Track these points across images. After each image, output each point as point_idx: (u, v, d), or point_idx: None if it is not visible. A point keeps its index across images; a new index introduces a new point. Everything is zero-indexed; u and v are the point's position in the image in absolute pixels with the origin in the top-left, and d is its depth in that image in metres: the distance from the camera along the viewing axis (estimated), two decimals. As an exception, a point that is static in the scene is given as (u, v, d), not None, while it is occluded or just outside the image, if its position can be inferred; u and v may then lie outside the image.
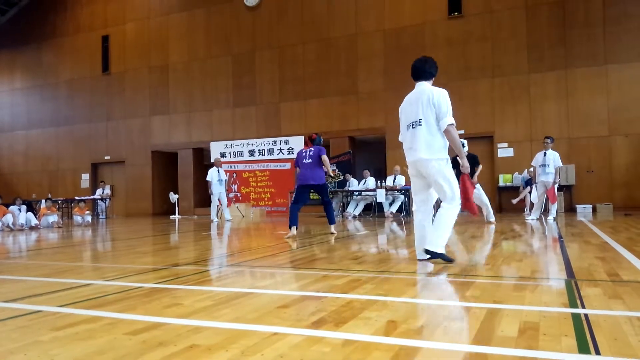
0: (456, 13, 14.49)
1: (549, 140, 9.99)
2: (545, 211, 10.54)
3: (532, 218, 10.15)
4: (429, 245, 4.13)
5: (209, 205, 13.61)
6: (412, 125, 4.36)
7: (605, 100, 12.99)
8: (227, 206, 13.34)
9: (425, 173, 4.26)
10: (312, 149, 7.25)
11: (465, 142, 8.11)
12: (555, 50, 13.40)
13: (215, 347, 2.01)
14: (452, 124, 4.13)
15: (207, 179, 12.94)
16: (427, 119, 4.21)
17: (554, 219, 9.76)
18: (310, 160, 7.16)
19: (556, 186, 9.88)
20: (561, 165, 9.93)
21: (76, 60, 20.47)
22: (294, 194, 7.44)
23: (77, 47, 20.49)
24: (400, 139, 4.50)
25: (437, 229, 4.14)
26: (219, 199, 12.96)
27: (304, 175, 7.16)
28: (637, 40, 12.73)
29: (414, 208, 4.46)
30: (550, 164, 9.84)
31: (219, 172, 12.96)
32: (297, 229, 7.10)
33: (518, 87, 13.74)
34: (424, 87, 4.35)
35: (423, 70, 4.39)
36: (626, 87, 12.81)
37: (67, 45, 20.69)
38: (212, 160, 13.93)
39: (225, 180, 13.23)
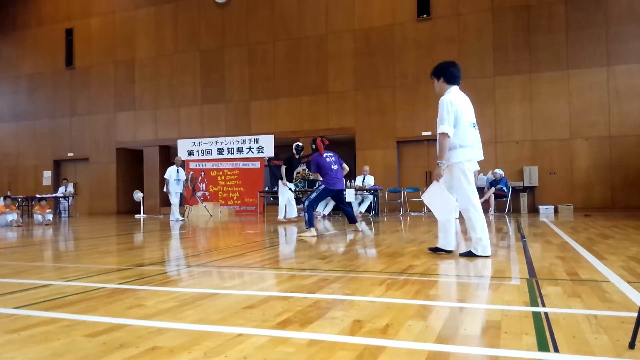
0: (424, 15, 14.67)
1: None
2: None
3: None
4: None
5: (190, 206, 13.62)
6: (474, 125, 4.44)
7: (567, 104, 13.38)
8: (189, 205, 13.27)
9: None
10: (332, 154, 7.66)
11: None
12: (520, 53, 13.73)
13: (178, 349, 1.98)
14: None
15: (165, 176, 12.94)
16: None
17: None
18: (337, 166, 7.61)
19: None
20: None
21: (38, 53, 19.83)
22: (314, 195, 7.49)
23: (39, 40, 19.84)
24: (450, 132, 4.27)
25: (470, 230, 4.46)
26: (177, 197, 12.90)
27: (333, 180, 7.46)
28: (597, 46, 13.16)
29: (478, 208, 4.40)
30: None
31: (178, 171, 12.84)
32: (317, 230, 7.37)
33: (484, 90, 14.01)
34: (463, 93, 4.49)
35: (460, 75, 4.56)
36: (586, 92, 13.22)
37: (29, 37, 20.02)
38: (174, 159, 13.72)
39: (185, 181, 13.12)
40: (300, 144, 11.26)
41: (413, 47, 14.72)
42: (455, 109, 4.28)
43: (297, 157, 10.99)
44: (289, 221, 10.53)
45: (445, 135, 4.23)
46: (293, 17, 16.13)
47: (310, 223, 7.26)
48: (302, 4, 16.03)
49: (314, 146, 7.68)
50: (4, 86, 20.42)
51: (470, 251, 4.44)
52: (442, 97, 4.39)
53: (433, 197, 4.47)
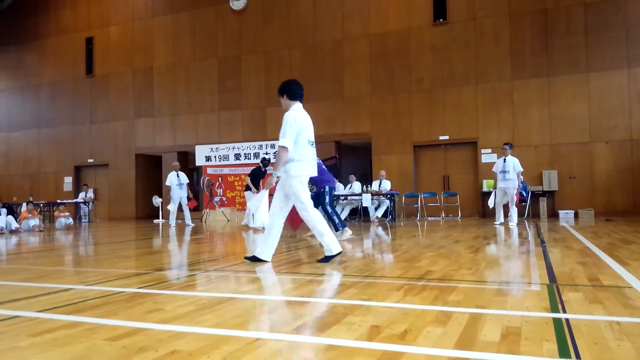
0: (441, 20, 14.62)
1: (507, 147, 10.13)
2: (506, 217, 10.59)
3: (496, 223, 10.22)
4: None
5: (193, 209, 13.51)
6: (312, 143, 4.77)
7: (586, 107, 13.20)
8: (190, 209, 13.10)
9: None
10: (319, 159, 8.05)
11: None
12: (538, 57, 13.59)
13: (197, 353, 1.99)
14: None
15: (166, 184, 12.84)
16: None
17: (516, 225, 9.83)
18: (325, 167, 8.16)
19: (517, 190, 9.99)
20: (521, 169, 10.03)
21: (59, 62, 20.22)
22: (326, 201, 7.75)
23: (60, 49, 20.24)
24: (290, 146, 4.55)
25: None
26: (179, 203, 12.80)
27: (329, 177, 7.93)
28: (617, 49, 12.97)
29: (316, 214, 4.69)
30: (510, 170, 9.96)
31: (178, 176, 12.78)
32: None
33: (501, 94, 13.90)
34: (305, 111, 4.81)
35: (302, 93, 4.84)
36: (606, 94, 13.03)
37: (50, 47, 20.44)
38: (172, 164, 13.64)
39: (188, 184, 13.05)
40: (267, 157, 11.73)
41: (429, 52, 14.67)
42: (298, 125, 4.55)
43: (263, 169, 11.10)
44: (255, 230, 10.08)
45: (285, 148, 4.47)
46: (309, 24, 16.21)
47: (341, 225, 7.46)
48: (317, 10, 16.10)
49: None
50: (26, 94, 20.85)
51: (326, 256, 4.67)
52: (286, 113, 4.64)
53: (258, 203, 4.76)
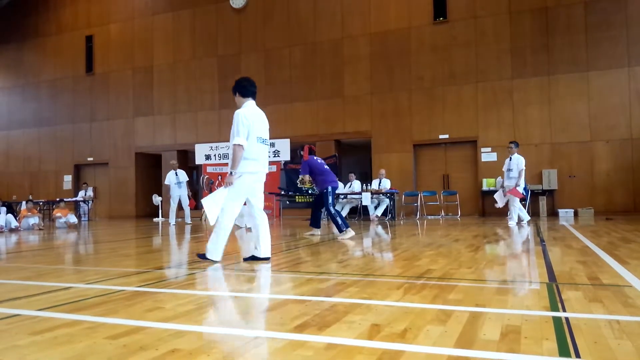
0: (441, 18, 14.61)
1: (512, 145, 10.11)
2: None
3: (511, 224, 10.15)
4: None
5: (193, 208, 13.47)
6: (263, 141, 4.81)
7: (586, 106, 13.20)
8: (191, 209, 13.06)
9: None
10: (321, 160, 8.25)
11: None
12: (538, 56, 13.58)
13: (197, 352, 1.99)
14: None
15: (165, 182, 12.86)
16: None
17: (517, 224, 9.76)
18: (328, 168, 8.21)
19: (519, 188, 9.91)
20: (523, 168, 9.98)
21: (59, 60, 20.20)
22: (329, 201, 7.80)
23: (59, 47, 20.22)
24: (244, 144, 4.60)
25: None
26: (179, 202, 12.73)
27: (333, 178, 8.01)
28: (617, 48, 12.96)
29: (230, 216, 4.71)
30: (514, 168, 9.94)
31: (177, 174, 12.76)
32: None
33: (501, 93, 13.89)
34: (258, 108, 4.91)
35: (254, 90, 4.97)
36: (607, 93, 13.03)
37: (50, 45, 20.42)
38: (170, 163, 13.53)
39: (187, 182, 13.01)
40: None
41: (429, 51, 14.66)
42: (249, 122, 4.58)
43: None
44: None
45: (240, 146, 4.52)
46: (309, 22, 16.19)
47: (344, 225, 7.49)
48: (317, 9, 16.08)
49: (301, 152, 8.38)
50: (26, 93, 20.84)
51: (204, 255, 4.76)
52: (237, 111, 4.67)
53: (212, 201, 4.63)
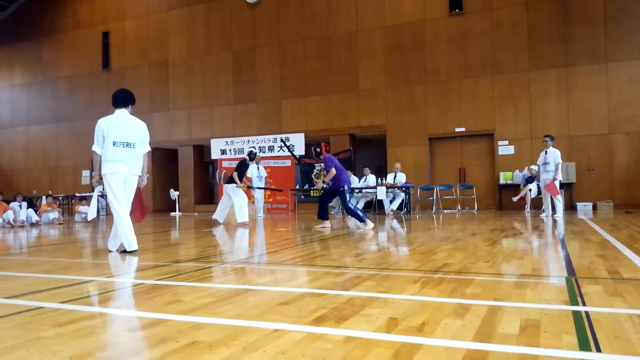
0: (457, 10, 14.46)
1: (548, 139, 10.07)
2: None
3: (545, 215, 10.16)
4: None
5: (209, 202, 13.50)
6: (123, 144, 5.31)
7: (605, 98, 12.98)
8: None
9: None
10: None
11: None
12: (556, 47, 13.38)
13: (217, 344, 2.02)
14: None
15: (248, 175, 11.05)
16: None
17: (561, 217, 9.67)
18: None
19: (556, 182, 9.87)
20: (560, 161, 9.95)
21: (76, 56, 20.44)
22: (346, 199, 8.11)
23: (76, 43, 20.45)
24: (98, 150, 5.35)
25: None
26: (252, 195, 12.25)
27: (347, 177, 8.33)
28: (637, 38, 12.71)
29: (121, 212, 5.33)
30: (550, 161, 9.90)
31: (258, 168, 12.52)
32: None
33: (518, 85, 13.72)
34: (125, 115, 5.44)
35: (122, 99, 5.51)
36: (626, 85, 12.80)
37: (67, 41, 20.66)
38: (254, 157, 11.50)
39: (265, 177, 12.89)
40: (254, 150, 11.38)
41: (445, 43, 14.53)
42: (102, 130, 5.25)
43: (248, 163, 10.44)
44: (244, 225, 9.61)
45: (94, 152, 5.30)
46: (323, 16, 16.14)
47: (362, 218, 7.81)
48: (332, 2, 16.02)
49: (318, 150, 8.44)
50: (44, 88, 21.14)
51: (124, 249, 5.32)
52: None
53: (94, 200, 5.49)
